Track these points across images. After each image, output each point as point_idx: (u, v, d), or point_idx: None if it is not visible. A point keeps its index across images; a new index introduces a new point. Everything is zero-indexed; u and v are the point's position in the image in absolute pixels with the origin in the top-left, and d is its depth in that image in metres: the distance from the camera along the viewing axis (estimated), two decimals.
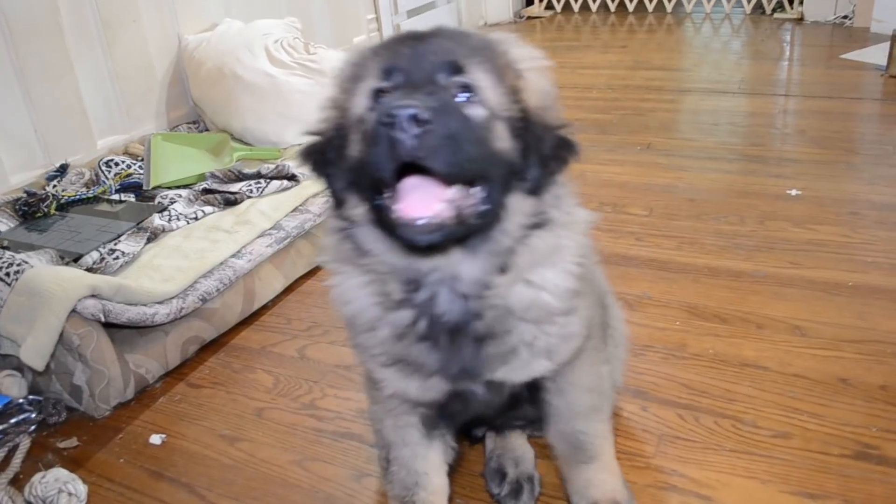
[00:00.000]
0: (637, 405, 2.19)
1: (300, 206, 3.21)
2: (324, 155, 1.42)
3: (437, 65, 1.31)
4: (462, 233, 1.30)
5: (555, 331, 1.49)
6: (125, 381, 2.42)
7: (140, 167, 3.65)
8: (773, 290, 2.74)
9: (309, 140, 1.46)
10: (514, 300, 1.43)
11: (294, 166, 3.42)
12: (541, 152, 1.35)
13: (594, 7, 8.48)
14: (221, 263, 2.77)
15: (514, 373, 1.52)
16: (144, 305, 2.46)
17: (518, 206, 1.36)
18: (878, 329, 2.47)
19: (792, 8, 7.50)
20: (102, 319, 2.33)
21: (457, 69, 1.31)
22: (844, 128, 4.41)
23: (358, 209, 1.37)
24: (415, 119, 1.16)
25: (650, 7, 8.21)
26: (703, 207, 3.44)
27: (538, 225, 1.40)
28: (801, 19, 7.29)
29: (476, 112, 1.29)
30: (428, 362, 1.47)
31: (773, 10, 7.64)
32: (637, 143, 4.32)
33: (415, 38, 1.37)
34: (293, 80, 3.90)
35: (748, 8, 7.78)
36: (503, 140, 1.32)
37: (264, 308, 2.91)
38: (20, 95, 3.49)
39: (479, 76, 1.32)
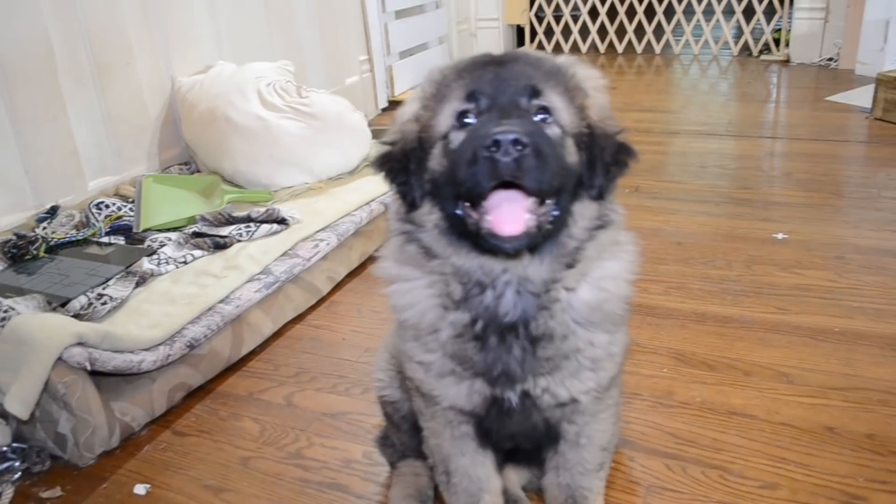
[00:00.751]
0: (624, 455, 2.18)
1: (289, 250, 3.21)
2: (400, 163, 1.51)
3: (519, 89, 1.42)
4: (540, 239, 1.42)
5: (604, 341, 1.57)
6: (110, 430, 2.40)
7: (130, 209, 3.65)
8: (759, 335, 2.76)
9: (382, 149, 1.57)
10: (576, 299, 1.52)
11: (284, 210, 3.43)
12: (604, 160, 1.47)
13: (584, 48, 8.60)
14: (209, 309, 2.77)
15: (558, 385, 1.59)
16: (131, 353, 2.45)
17: (584, 211, 1.48)
18: (863, 376, 2.48)
19: (778, 50, 7.63)
20: (88, 368, 2.32)
21: (536, 93, 1.43)
22: (830, 170, 4.47)
23: (432, 215, 1.48)
24: (515, 143, 1.28)
25: (639, 48, 8.34)
26: (691, 251, 3.47)
27: (601, 226, 1.52)
28: (787, 61, 7.43)
29: (553, 131, 1.43)
30: (476, 361, 1.55)
31: (760, 52, 7.77)
32: (625, 185, 4.34)
33: (496, 63, 1.47)
34: (285, 124, 3.93)
35: (735, 50, 7.92)
36: (572, 154, 1.45)
37: (252, 353, 2.90)
38: (12, 137, 3.50)
39: (553, 98, 1.45)
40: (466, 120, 1.43)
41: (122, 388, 2.50)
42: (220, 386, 2.73)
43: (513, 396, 1.60)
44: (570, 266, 1.50)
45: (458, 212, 1.42)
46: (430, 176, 1.46)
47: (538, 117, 1.42)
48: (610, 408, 1.74)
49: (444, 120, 1.45)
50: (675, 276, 3.24)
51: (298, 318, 3.14)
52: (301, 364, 2.82)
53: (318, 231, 3.39)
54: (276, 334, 3.02)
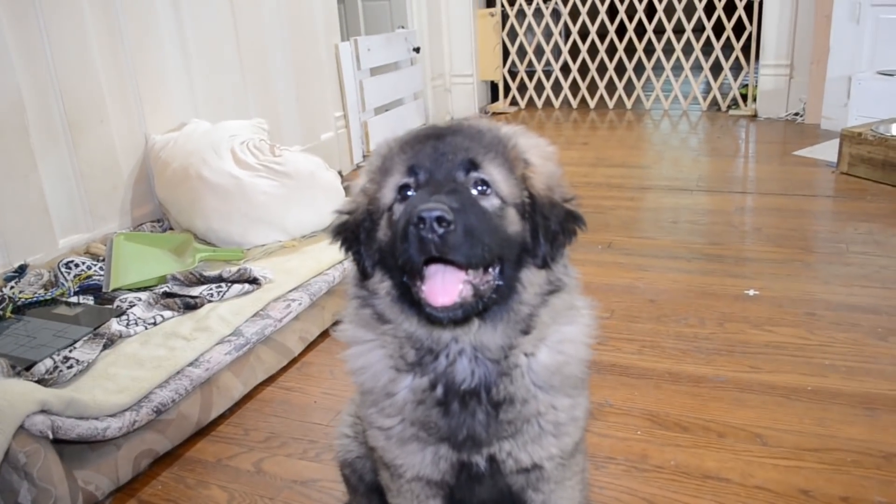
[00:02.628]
0: None
1: (261, 310, 3.18)
2: (353, 233, 1.54)
3: (456, 164, 1.43)
4: (481, 307, 1.41)
5: (566, 405, 1.57)
6: (73, 499, 2.32)
7: (101, 268, 3.61)
8: (733, 395, 2.75)
9: (339, 219, 1.59)
10: (536, 363, 1.53)
11: (256, 269, 3.41)
12: (548, 229, 1.47)
13: (557, 103, 8.74)
14: (178, 372, 2.72)
15: (520, 450, 1.57)
16: (96, 419, 2.40)
17: (531, 278, 1.47)
18: (837, 436, 2.47)
19: (746, 105, 7.81)
20: (51, 436, 2.26)
21: (473, 166, 1.44)
22: (799, 225, 4.53)
23: (384, 283, 1.49)
24: (440, 220, 1.28)
25: (611, 104, 8.49)
26: (664, 309, 3.48)
27: (552, 291, 1.51)
28: (754, 116, 7.59)
29: (491, 203, 1.43)
30: (441, 426, 1.54)
31: (729, 107, 7.95)
32: (598, 241, 4.38)
33: (436, 137, 1.49)
34: (258, 182, 3.93)
35: (704, 105, 8.09)
36: (514, 224, 1.45)
37: (221, 417, 2.84)
38: None
39: (492, 171, 1.45)
40: (408, 193, 1.44)
41: (86, 456, 2.43)
42: (188, 452, 2.67)
43: (480, 461, 1.59)
44: (525, 332, 1.50)
45: (405, 279, 1.44)
46: (378, 246, 1.49)
47: (476, 189, 1.43)
48: (576, 475, 1.72)
49: (388, 193, 1.48)
50: (649, 334, 3.25)
51: (269, 380, 3.09)
52: (271, 428, 2.77)
53: (290, 291, 3.37)
54: (247, 397, 2.97)
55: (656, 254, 4.19)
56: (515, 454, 1.58)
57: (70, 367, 2.70)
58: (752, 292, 3.59)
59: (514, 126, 1.59)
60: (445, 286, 1.38)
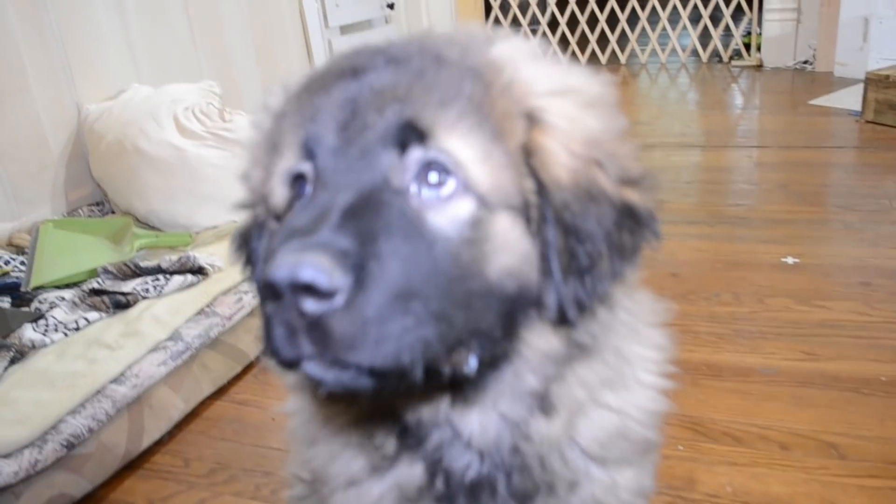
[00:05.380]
0: None
1: (206, 306, 2.62)
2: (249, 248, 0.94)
3: (380, 132, 0.76)
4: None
5: (630, 478, 0.99)
6: None
7: (22, 263, 3.04)
8: (790, 391, 2.22)
9: (243, 219, 0.97)
10: (583, 434, 0.93)
11: (201, 257, 2.83)
12: (574, 252, 0.81)
13: None
14: (98, 392, 2.17)
15: None
16: None
17: (537, 341, 0.84)
18: None
19: (749, 55, 7.25)
20: None
21: (417, 134, 0.77)
22: (830, 181, 4.01)
23: None
24: (308, 290, 0.64)
25: (603, 59, 7.91)
26: (690, 284, 2.94)
27: (580, 353, 0.89)
28: (760, 66, 7.05)
29: (452, 214, 0.76)
30: None
31: (731, 58, 7.39)
32: None
33: (353, 73, 0.82)
34: (205, 153, 3.34)
35: (705, 56, 7.53)
36: (508, 251, 0.79)
37: (158, 444, 2.29)
38: None
39: (456, 143, 0.78)
40: (305, 191, 0.82)
41: None
42: (112, 492, 2.13)
43: None
44: (542, 411, 0.90)
45: None
46: None
47: (425, 185, 0.77)
48: None
49: (278, 189, 0.86)
50: (676, 316, 2.69)
51: (219, 393, 2.54)
52: (218, 457, 2.22)
53: (243, 280, 2.79)
54: (190, 416, 2.42)
55: (672, 219, 3.63)
56: None
57: None
58: (790, 260, 3.04)
59: (515, 39, 0.92)
60: None
